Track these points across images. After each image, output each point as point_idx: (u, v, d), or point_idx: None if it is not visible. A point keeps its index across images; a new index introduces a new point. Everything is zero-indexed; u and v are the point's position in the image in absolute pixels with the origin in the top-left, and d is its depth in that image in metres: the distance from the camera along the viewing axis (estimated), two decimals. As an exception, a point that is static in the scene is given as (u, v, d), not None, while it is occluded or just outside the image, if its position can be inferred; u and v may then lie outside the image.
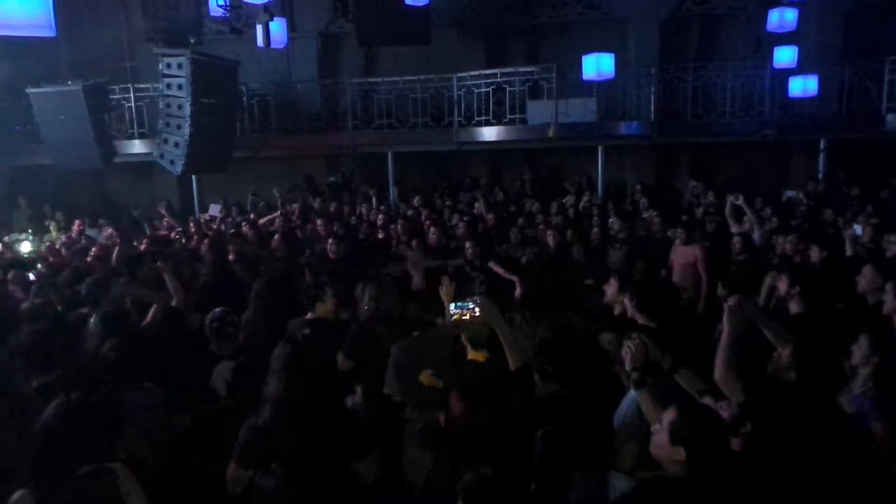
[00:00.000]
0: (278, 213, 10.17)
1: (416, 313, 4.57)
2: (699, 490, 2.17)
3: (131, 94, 12.19)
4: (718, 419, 2.38)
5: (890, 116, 10.75)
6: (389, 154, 12.50)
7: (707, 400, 2.80)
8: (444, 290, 4.13)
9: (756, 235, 6.72)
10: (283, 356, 3.11)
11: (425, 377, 3.56)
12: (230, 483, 3.00)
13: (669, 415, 2.27)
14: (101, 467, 2.44)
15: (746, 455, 2.51)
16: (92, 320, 3.96)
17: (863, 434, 2.79)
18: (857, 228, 5.83)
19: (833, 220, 8.04)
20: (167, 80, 9.01)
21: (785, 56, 10.22)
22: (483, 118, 11.69)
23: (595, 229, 7.86)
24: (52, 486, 2.36)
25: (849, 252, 5.76)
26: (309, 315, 4.34)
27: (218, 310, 3.94)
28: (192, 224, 9.96)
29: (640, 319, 4.22)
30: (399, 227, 8.07)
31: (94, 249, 7.55)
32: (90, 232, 9.52)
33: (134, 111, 12.28)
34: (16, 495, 2.36)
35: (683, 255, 6.65)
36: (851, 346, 3.28)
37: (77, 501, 2.34)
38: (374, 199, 10.62)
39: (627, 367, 2.88)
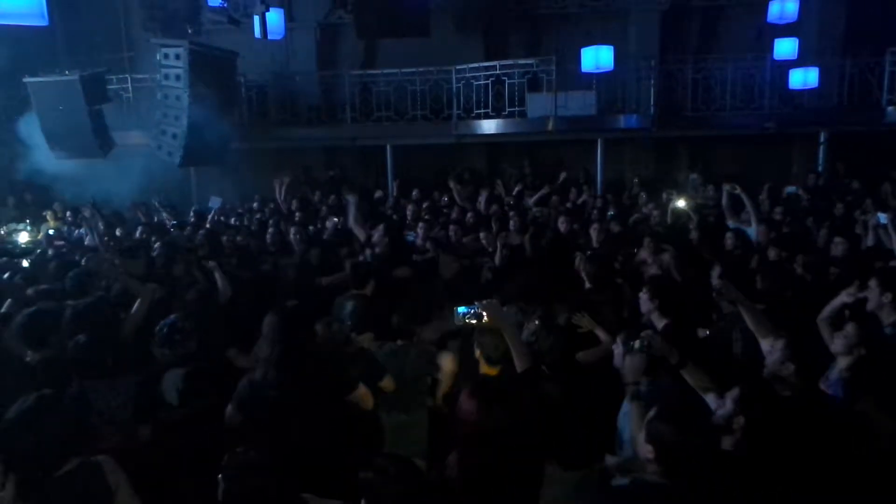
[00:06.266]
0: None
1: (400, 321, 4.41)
2: (674, 495, 2.08)
3: (129, 85, 12.13)
4: (700, 422, 2.28)
5: (890, 109, 10.72)
6: (388, 147, 12.45)
7: (710, 397, 2.78)
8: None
9: (752, 230, 6.64)
10: (273, 323, 3.15)
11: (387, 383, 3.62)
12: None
13: (651, 413, 2.25)
14: (84, 461, 2.39)
15: (739, 455, 2.45)
16: (68, 312, 3.81)
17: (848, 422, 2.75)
18: (882, 217, 5.71)
19: (843, 213, 7.94)
20: (165, 70, 8.95)
21: (785, 48, 10.16)
22: (482, 111, 11.62)
23: (595, 224, 7.79)
24: (35, 481, 2.29)
25: (870, 242, 5.69)
26: None
27: (172, 318, 3.63)
28: (192, 215, 9.93)
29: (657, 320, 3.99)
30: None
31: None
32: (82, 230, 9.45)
33: (132, 101, 12.22)
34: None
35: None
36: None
37: (63, 497, 2.29)
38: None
39: (628, 379, 2.90)
